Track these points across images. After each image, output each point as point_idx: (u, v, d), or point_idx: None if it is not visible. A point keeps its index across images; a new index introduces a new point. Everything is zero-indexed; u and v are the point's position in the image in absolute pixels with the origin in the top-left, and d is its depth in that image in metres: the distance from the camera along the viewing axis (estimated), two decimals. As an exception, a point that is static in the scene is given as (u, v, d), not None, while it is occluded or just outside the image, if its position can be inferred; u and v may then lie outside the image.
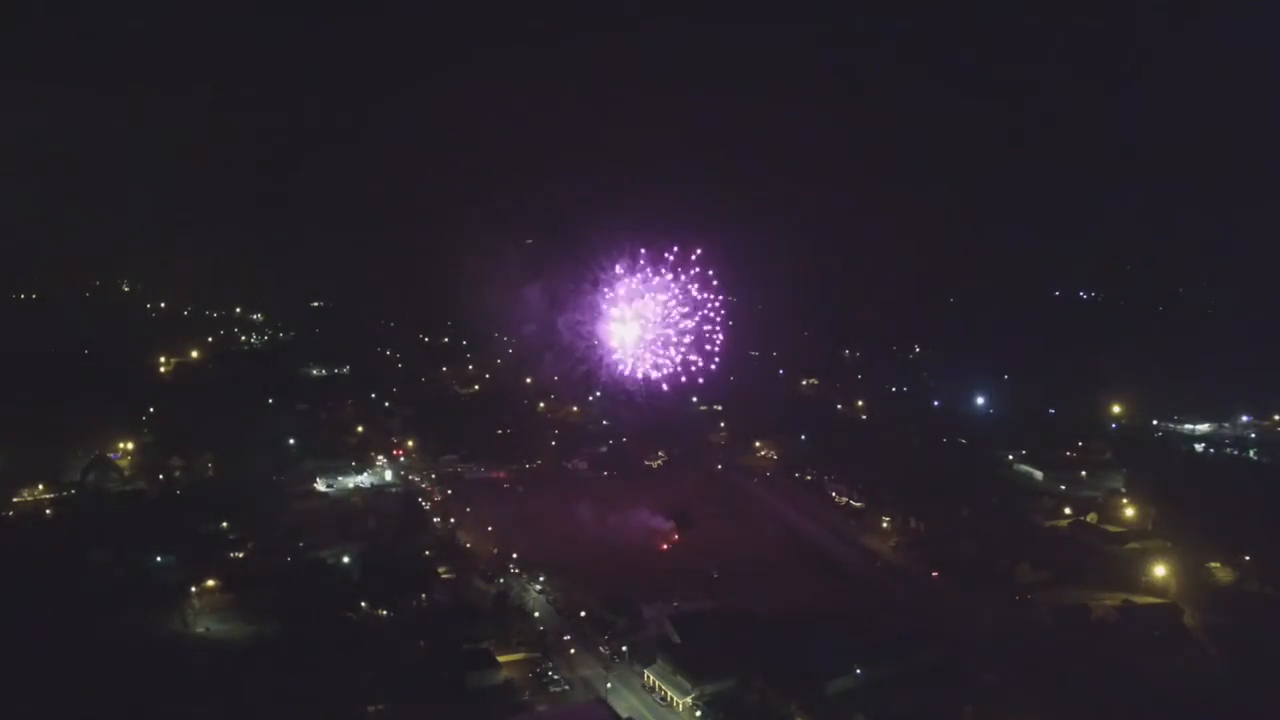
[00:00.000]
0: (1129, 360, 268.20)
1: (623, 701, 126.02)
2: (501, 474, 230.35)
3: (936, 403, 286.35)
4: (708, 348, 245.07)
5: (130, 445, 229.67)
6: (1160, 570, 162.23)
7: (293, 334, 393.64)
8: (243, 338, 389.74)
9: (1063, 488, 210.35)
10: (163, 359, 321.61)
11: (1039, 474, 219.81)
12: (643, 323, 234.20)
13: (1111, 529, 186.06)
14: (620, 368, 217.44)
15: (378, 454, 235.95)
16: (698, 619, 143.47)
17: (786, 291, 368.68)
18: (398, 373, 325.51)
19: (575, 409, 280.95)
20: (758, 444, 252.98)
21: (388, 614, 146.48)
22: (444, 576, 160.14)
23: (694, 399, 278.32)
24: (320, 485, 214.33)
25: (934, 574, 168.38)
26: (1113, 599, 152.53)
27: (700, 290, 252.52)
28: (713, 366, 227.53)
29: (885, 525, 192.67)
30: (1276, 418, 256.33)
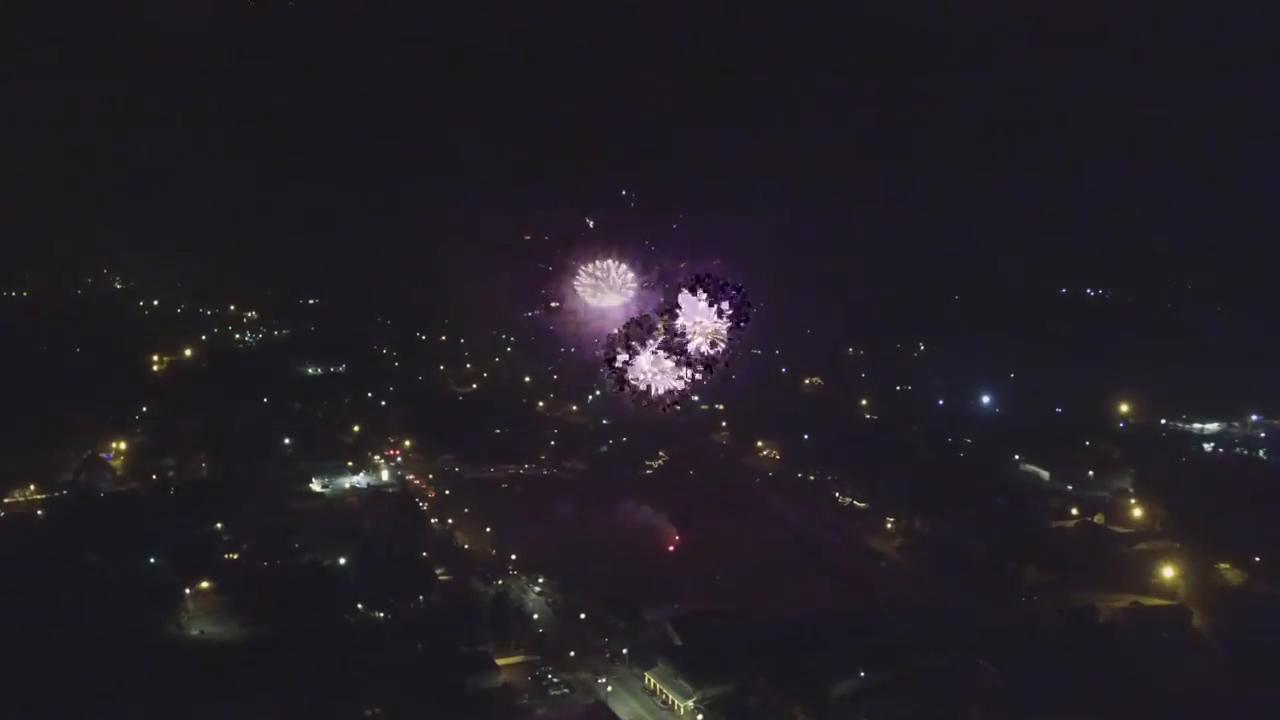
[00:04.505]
0: (1137, 359, 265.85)
1: (623, 705, 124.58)
2: (500, 474, 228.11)
3: (941, 402, 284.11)
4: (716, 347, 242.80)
5: (123, 445, 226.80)
6: (1169, 571, 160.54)
7: (287, 332, 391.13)
8: (237, 336, 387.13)
9: (1070, 488, 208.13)
10: (156, 357, 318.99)
11: (1045, 474, 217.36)
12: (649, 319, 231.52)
13: (1119, 530, 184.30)
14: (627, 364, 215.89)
15: (374, 454, 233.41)
16: (699, 621, 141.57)
17: (789, 289, 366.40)
18: (394, 371, 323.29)
19: (574, 408, 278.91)
20: (760, 444, 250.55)
21: (384, 616, 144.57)
22: (441, 578, 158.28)
23: (695, 398, 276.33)
24: (316, 485, 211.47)
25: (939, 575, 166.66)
26: (1121, 600, 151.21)
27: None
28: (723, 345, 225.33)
29: (890, 526, 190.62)
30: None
